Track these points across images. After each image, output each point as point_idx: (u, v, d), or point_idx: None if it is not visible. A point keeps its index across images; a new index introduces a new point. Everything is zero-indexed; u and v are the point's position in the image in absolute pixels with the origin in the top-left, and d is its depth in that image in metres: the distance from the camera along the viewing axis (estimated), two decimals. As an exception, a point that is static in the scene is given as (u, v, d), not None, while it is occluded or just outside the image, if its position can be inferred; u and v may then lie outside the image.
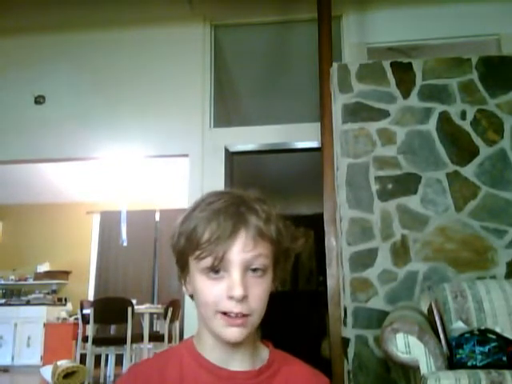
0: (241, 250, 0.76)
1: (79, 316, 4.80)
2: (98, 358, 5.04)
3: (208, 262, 0.76)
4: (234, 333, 0.76)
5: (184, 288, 0.84)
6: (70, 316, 6.59)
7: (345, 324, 2.74)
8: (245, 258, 0.76)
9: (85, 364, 4.49)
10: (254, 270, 0.77)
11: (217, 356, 0.81)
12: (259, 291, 0.78)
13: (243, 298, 0.75)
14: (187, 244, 0.78)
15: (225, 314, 0.76)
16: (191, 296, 0.83)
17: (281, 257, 0.82)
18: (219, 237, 0.75)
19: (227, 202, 0.79)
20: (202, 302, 0.78)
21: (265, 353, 0.86)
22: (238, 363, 0.81)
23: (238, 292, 0.74)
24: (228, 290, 0.75)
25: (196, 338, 0.85)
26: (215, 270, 0.76)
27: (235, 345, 0.80)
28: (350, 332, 2.69)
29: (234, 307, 0.75)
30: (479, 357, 1.84)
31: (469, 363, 1.84)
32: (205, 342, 0.82)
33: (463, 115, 2.90)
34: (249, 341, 0.82)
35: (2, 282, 7.04)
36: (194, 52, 4.04)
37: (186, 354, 0.82)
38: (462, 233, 2.74)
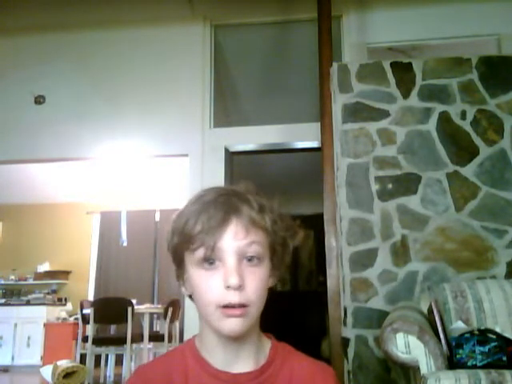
0: (232, 238, 0.75)
1: (79, 316, 4.80)
2: (98, 358, 5.04)
3: (201, 252, 0.75)
4: (232, 324, 0.74)
5: (183, 289, 0.83)
6: (70, 316, 6.59)
7: (345, 324, 2.74)
8: (237, 245, 0.75)
9: (85, 364, 4.49)
10: (250, 259, 0.76)
11: (221, 358, 0.80)
12: (256, 281, 0.76)
13: (240, 287, 0.74)
14: (181, 239, 0.78)
15: (224, 307, 0.74)
16: (190, 296, 0.82)
17: (277, 247, 0.81)
18: (210, 227, 0.74)
19: (218, 193, 0.79)
20: (202, 298, 0.77)
21: (267, 348, 0.84)
22: (243, 363, 0.80)
23: (234, 280, 0.73)
24: (224, 279, 0.74)
25: (198, 340, 0.84)
26: (209, 260, 0.75)
27: (239, 344, 0.79)
28: (350, 332, 2.69)
29: (232, 297, 0.74)
30: (479, 357, 1.84)
31: (469, 363, 1.84)
32: (208, 344, 0.81)
33: (463, 115, 2.90)
34: (252, 338, 0.81)
35: (2, 281, 7.04)
36: (194, 52, 4.03)
37: (189, 356, 0.81)
38: (462, 233, 2.74)
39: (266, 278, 0.79)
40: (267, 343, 0.85)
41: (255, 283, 0.76)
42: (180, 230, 0.77)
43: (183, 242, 0.77)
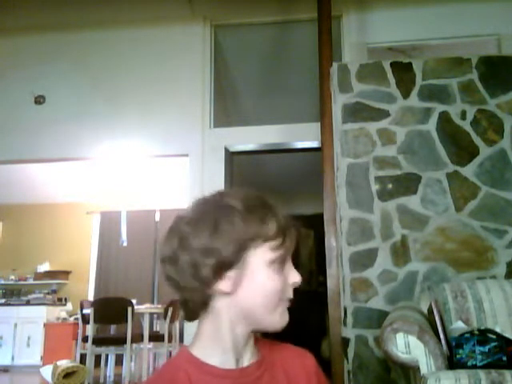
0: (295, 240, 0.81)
1: (79, 316, 4.79)
2: (98, 358, 5.04)
3: (278, 253, 0.77)
4: (287, 316, 0.80)
5: (221, 286, 0.75)
6: (70, 316, 6.59)
7: (345, 324, 2.74)
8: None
9: (85, 364, 4.49)
10: None
11: (233, 356, 0.78)
12: None
13: None
14: (255, 235, 0.75)
15: (287, 300, 0.80)
16: (226, 293, 0.76)
17: None
18: (287, 226, 0.78)
19: (261, 197, 0.81)
20: (269, 294, 0.76)
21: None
22: (247, 356, 0.80)
23: (300, 278, 0.80)
24: (292, 276, 0.79)
25: (197, 349, 0.79)
26: (284, 260, 0.78)
27: (250, 337, 0.81)
28: (350, 332, 2.69)
29: (292, 292, 0.80)
30: (479, 357, 1.84)
31: (469, 363, 1.84)
32: (219, 347, 0.78)
33: (463, 115, 2.90)
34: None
35: (2, 281, 7.04)
36: (194, 52, 4.03)
37: (192, 369, 0.77)
38: (462, 233, 2.74)
39: None
40: None
41: None
42: (255, 226, 0.75)
43: (258, 238, 0.76)
